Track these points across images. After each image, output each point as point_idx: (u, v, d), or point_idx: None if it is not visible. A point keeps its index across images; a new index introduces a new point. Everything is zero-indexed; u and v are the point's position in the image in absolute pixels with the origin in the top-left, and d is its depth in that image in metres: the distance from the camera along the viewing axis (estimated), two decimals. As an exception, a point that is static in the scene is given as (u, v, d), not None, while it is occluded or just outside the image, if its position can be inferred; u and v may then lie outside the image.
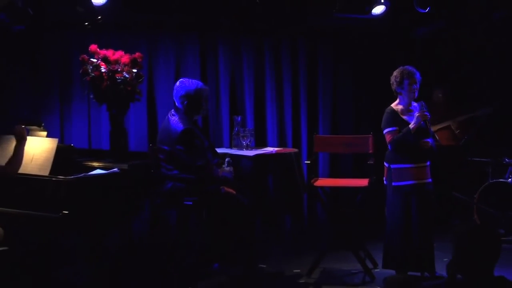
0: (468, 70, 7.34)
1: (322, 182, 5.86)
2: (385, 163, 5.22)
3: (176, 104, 5.03)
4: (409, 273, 5.14)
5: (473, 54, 7.25)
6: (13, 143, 4.69)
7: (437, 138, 5.23)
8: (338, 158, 7.46)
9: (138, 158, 5.14)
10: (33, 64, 6.06)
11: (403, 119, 5.11)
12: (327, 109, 7.49)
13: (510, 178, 6.45)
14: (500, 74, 7.12)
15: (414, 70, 5.15)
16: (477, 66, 7.27)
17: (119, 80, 5.19)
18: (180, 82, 5.09)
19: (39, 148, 4.64)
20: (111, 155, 5.25)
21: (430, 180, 5.18)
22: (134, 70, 5.28)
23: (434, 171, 5.29)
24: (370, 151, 5.65)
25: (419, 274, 5.19)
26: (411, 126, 5.02)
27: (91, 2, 5.48)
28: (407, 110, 5.17)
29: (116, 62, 5.22)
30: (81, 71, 5.28)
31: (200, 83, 5.09)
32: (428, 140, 5.11)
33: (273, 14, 6.68)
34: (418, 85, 5.14)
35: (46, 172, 4.51)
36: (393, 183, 5.14)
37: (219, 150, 5.46)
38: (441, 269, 5.22)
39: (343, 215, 5.50)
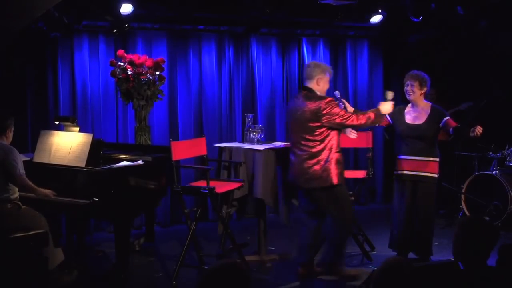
0: (455, 72, 7.31)
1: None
2: None
3: (308, 84, 4.65)
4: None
5: (458, 59, 7.23)
6: (51, 138, 4.72)
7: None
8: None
9: (160, 151, 5.16)
10: (68, 66, 6.10)
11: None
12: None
13: (494, 170, 6.41)
14: (481, 74, 7.10)
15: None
16: (462, 68, 7.25)
17: (143, 82, 5.24)
18: (313, 63, 4.77)
19: (75, 142, 4.67)
20: (136, 149, 5.29)
21: (429, 173, 5.04)
22: (157, 73, 5.33)
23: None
24: (369, 146, 5.62)
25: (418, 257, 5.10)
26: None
27: (119, 12, 5.50)
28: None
29: (141, 65, 5.26)
30: (110, 73, 5.31)
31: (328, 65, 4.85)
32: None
33: (280, 23, 6.68)
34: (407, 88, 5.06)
35: (82, 164, 4.54)
36: (394, 172, 5.16)
37: (232, 145, 5.46)
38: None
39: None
